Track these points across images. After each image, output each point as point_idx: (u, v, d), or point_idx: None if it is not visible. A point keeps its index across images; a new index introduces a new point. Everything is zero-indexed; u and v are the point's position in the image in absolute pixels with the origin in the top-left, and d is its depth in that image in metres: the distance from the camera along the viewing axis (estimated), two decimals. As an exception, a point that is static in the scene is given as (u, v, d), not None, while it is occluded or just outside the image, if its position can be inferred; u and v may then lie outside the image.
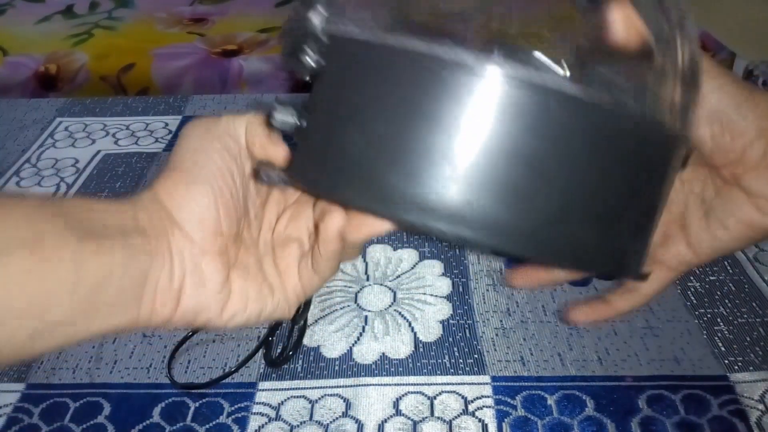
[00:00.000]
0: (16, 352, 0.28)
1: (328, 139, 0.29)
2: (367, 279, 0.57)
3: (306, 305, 0.52)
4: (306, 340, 0.51)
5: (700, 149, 0.33)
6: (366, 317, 0.53)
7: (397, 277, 0.57)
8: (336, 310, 0.54)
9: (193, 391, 0.47)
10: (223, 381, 0.48)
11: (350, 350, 0.50)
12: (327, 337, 0.52)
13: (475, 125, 0.25)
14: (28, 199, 0.29)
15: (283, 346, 0.51)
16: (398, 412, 0.46)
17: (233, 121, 0.33)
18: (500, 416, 0.45)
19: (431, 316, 0.53)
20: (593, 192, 0.26)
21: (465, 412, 0.45)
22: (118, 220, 0.30)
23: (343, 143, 0.28)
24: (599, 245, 0.28)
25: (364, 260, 0.58)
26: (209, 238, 0.32)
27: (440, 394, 0.47)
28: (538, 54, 0.26)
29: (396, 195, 0.26)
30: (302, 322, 0.51)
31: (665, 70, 0.29)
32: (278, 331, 0.51)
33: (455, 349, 0.50)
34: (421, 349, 0.50)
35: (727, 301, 0.54)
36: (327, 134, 0.29)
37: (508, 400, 0.46)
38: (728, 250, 0.36)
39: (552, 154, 0.26)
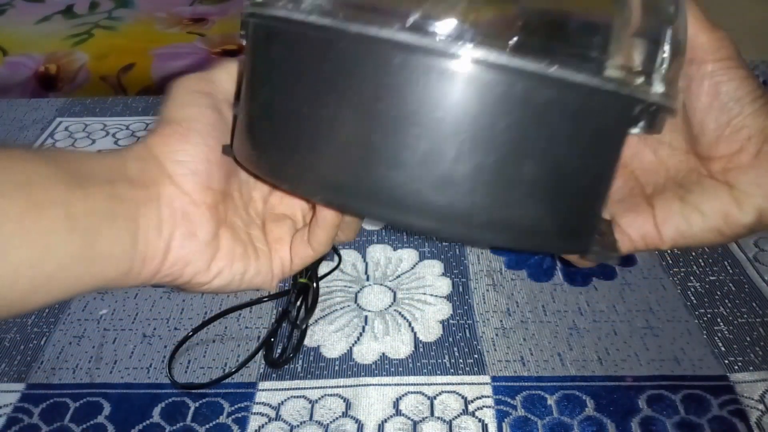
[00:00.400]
0: (16, 305, 0.27)
1: (249, 119, 0.30)
2: (367, 279, 0.57)
3: (310, 309, 0.52)
4: (306, 340, 0.51)
5: (699, 138, 0.33)
6: (366, 317, 0.53)
7: (397, 277, 0.57)
8: (336, 310, 0.54)
9: (193, 391, 0.47)
10: (223, 381, 0.48)
11: (350, 350, 0.50)
12: (327, 337, 0.52)
13: (406, 106, 0.24)
14: (17, 147, 0.29)
15: (284, 347, 0.51)
16: (398, 412, 0.46)
17: (223, 73, 0.34)
18: (500, 416, 0.45)
19: (431, 316, 0.53)
20: (529, 168, 0.25)
21: (465, 412, 0.45)
22: (107, 168, 0.30)
23: (260, 125, 0.29)
24: (541, 224, 0.27)
25: (364, 260, 0.58)
26: (201, 191, 0.32)
27: (440, 394, 0.47)
28: (450, 23, 0.24)
29: (325, 179, 0.26)
30: (303, 327, 0.51)
31: (613, 28, 0.28)
32: (279, 332, 0.51)
33: (455, 349, 0.50)
34: (421, 349, 0.50)
35: (727, 301, 0.54)
36: (247, 113, 0.30)
37: (508, 400, 0.46)
38: (694, 239, 0.34)
39: (485, 131, 0.24)
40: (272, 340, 0.50)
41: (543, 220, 0.27)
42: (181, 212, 0.31)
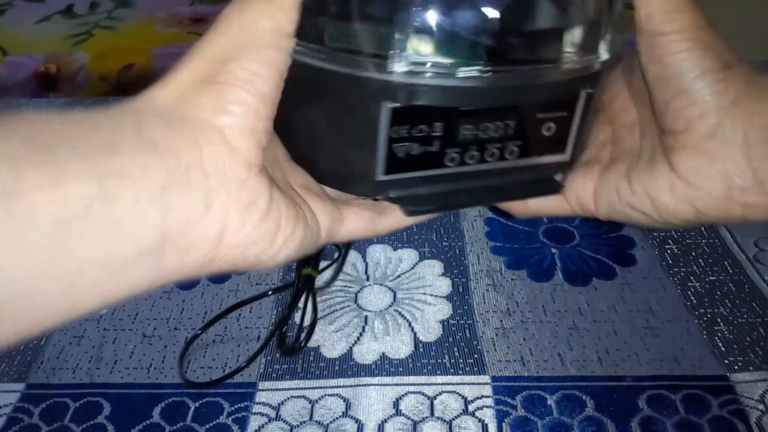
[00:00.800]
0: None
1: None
2: (367, 279, 0.57)
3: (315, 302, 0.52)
4: (306, 340, 0.51)
5: (654, 106, 0.30)
6: (366, 317, 0.53)
7: (397, 277, 0.57)
8: (336, 310, 0.54)
9: (201, 390, 0.47)
10: (223, 381, 0.48)
11: (350, 350, 0.50)
12: (327, 337, 0.52)
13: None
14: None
15: (296, 334, 0.51)
16: (398, 412, 0.46)
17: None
18: (500, 416, 0.45)
19: (431, 316, 0.53)
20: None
21: (465, 412, 0.45)
22: (107, 133, 0.21)
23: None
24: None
25: (364, 260, 0.58)
26: (256, 150, 0.25)
27: (440, 394, 0.47)
28: None
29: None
30: (315, 316, 0.52)
31: None
32: (290, 320, 0.51)
33: (455, 349, 0.50)
34: (421, 349, 0.50)
35: (727, 301, 0.54)
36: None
37: (508, 400, 0.46)
38: (624, 218, 0.31)
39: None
40: (284, 329, 0.50)
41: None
42: (236, 179, 0.24)
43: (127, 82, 1.24)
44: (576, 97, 0.31)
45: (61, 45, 1.31)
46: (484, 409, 0.46)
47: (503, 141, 0.31)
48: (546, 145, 0.32)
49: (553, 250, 0.60)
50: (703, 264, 0.57)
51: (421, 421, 0.45)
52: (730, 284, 0.55)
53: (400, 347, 0.50)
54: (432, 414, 0.45)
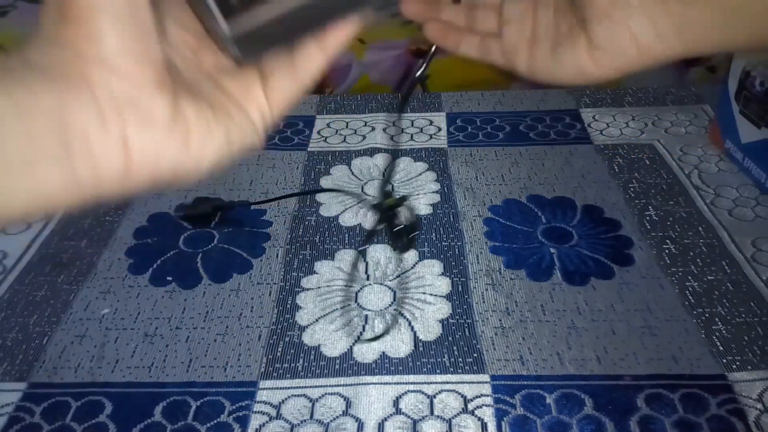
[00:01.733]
0: None
1: None
2: (367, 278, 0.57)
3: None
4: (306, 339, 0.52)
5: None
6: (366, 316, 0.53)
7: (397, 276, 0.57)
8: (336, 309, 0.54)
9: (202, 389, 0.48)
10: (223, 380, 0.48)
11: (350, 349, 0.51)
12: (327, 336, 0.52)
13: None
14: None
15: (406, 229, 0.50)
16: (398, 411, 0.46)
17: None
18: (499, 415, 0.45)
19: (431, 316, 0.53)
20: None
21: (464, 410, 0.46)
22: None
23: None
24: None
25: (365, 260, 0.59)
26: (141, 67, 0.25)
27: (440, 392, 0.47)
28: None
29: None
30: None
31: None
32: (396, 209, 0.50)
33: (455, 348, 0.51)
34: (421, 348, 0.51)
35: (725, 300, 0.54)
36: None
37: (507, 399, 0.46)
38: (560, 83, 0.34)
39: None
40: (391, 213, 0.50)
41: None
42: (125, 98, 0.25)
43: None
44: None
45: (62, 46, 1.31)
46: (484, 407, 0.46)
47: None
48: None
49: (552, 250, 0.60)
50: (701, 264, 0.58)
51: (420, 419, 0.45)
52: (728, 284, 0.56)
53: (400, 346, 0.51)
54: (432, 413, 0.46)
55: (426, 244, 0.61)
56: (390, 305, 0.54)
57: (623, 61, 0.31)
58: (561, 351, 0.50)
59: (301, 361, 0.50)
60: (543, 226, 0.63)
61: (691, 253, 0.59)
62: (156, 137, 0.26)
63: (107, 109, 0.24)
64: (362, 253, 0.57)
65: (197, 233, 0.63)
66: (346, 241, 0.62)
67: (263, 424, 0.45)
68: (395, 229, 0.51)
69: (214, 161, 0.28)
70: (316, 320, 0.53)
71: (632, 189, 0.67)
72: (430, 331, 0.52)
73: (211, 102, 0.28)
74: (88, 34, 0.24)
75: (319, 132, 0.80)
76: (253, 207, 0.66)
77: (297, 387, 0.48)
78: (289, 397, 0.47)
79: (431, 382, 0.48)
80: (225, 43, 0.28)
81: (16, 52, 0.24)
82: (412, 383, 0.48)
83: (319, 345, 0.51)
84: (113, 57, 0.24)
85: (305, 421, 0.45)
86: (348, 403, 0.47)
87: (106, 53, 0.24)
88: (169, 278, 0.58)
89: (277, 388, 0.48)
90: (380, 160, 0.74)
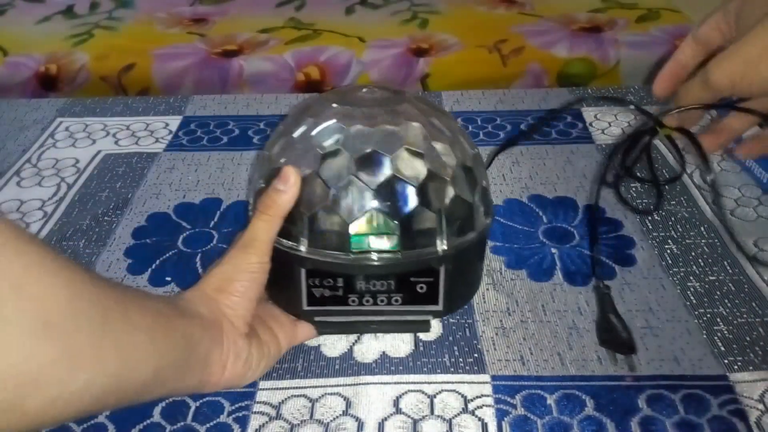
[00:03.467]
0: (101, 406, 0.40)
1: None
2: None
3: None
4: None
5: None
6: (366, 317, 0.53)
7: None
8: (336, 309, 0.54)
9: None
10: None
11: (351, 349, 0.51)
12: (327, 335, 0.52)
13: None
14: (147, 292, 0.45)
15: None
16: (398, 411, 0.46)
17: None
18: (500, 415, 0.45)
19: (431, 316, 0.53)
20: None
21: (465, 410, 0.46)
22: (191, 305, 0.43)
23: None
24: None
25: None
26: (244, 325, 0.45)
27: (440, 392, 0.47)
28: None
29: None
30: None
31: None
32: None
33: (455, 348, 0.50)
34: (421, 348, 0.50)
35: (726, 301, 0.54)
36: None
37: (508, 399, 0.46)
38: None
39: None
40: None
41: None
42: (233, 342, 0.44)
43: (127, 82, 1.24)
44: (436, 270, 0.46)
45: (61, 45, 1.31)
46: (484, 408, 0.46)
47: (388, 293, 0.47)
48: (422, 298, 0.47)
49: (553, 250, 0.60)
50: (702, 264, 0.57)
51: (421, 419, 0.45)
52: (730, 284, 0.55)
53: (401, 346, 0.51)
54: (432, 412, 0.45)
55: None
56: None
57: None
58: (562, 351, 0.50)
59: (300, 361, 0.50)
60: (544, 226, 0.63)
61: (693, 253, 0.59)
62: (239, 368, 0.44)
63: (225, 346, 0.43)
64: None
65: (196, 233, 0.63)
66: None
67: (263, 425, 0.45)
68: None
69: (260, 375, 0.47)
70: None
71: (633, 189, 0.67)
72: (430, 331, 0.52)
73: (263, 341, 0.47)
74: (232, 305, 0.44)
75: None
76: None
77: (297, 387, 0.48)
78: (288, 397, 0.47)
79: (431, 382, 0.48)
80: (306, 319, 0.49)
81: (182, 297, 0.44)
82: (412, 383, 0.48)
83: (318, 345, 0.51)
84: (235, 318, 0.44)
85: (305, 421, 0.45)
86: (348, 402, 0.46)
87: (232, 314, 0.44)
88: (168, 278, 0.58)
89: (277, 389, 0.48)
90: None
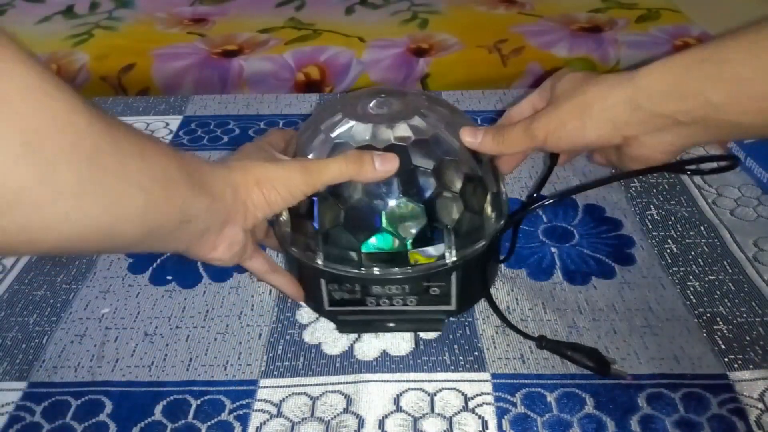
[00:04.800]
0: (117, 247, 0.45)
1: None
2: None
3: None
4: (307, 338, 0.52)
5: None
6: (367, 315, 0.53)
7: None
8: (337, 308, 0.54)
9: (203, 388, 0.47)
10: (224, 379, 0.48)
11: (351, 347, 0.51)
12: (328, 334, 0.52)
13: None
14: (157, 143, 0.38)
15: None
16: (399, 409, 0.46)
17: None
18: (500, 413, 0.45)
19: (432, 315, 0.53)
20: None
21: (465, 408, 0.46)
22: (216, 182, 0.41)
23: None
24: None
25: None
26: (252, 223, 0.45)
27: (440, 390, 0.47)
28: None
29: None
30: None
31: None
32: None
33: (455, 346, 0.51)
34: (422, 346, 0.51)
35: (726, 300, 0.54)
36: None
37: (508, 397, 0.46)
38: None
39: None
40: None
41: None
42: (236, 232, 0.44)
43: (127, 82, 1.24)
44: (448, 277, 0.48)
45: (61, 45, 1.30)
46: (484, 406, 0.46)
47: (404, 296, 0.49)
48: (436, 300, 0.50)
49: (553, 249, 0.60)
50: (702, 263, 0.58)
51: (421, 417, 0.45)
52: (730, 283, 0.55)
53: (401, 344, 0.51)
54: (432, 410, 0.46)
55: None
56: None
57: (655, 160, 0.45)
58: (562, 350, 0.50)
59: (301, 359, 0.50)
60: (544, 225, 0.63)
61: (693, 253, 0.59)
62: (228, 251, 0.44)
63: (226, 234, 0.43)
64: None
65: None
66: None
67: (264, 422, 0.45)
68: None
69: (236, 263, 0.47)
70: (317, 318, 0.53)
71: (633, 188, 0.67)
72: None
73: (253, 237, 0.48)
74: (258, 203, 0.44)
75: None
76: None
77: (297, 385, 0.48)
78: (289, 395, 0.47)
79: (432, 380, 0.48)
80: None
81: (207, 166, 0.42)
82: (412, 381, 0.48)
83: (319, 343, 0.51)
84: (250, 215, 0.44)
85: (306, 418, 0.45)
86: (349, 400, 0.46)
87: (249, 213, 0.44)
88: (169, 277, 0.58)
89: (278, 387, 0.48)
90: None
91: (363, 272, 0.47)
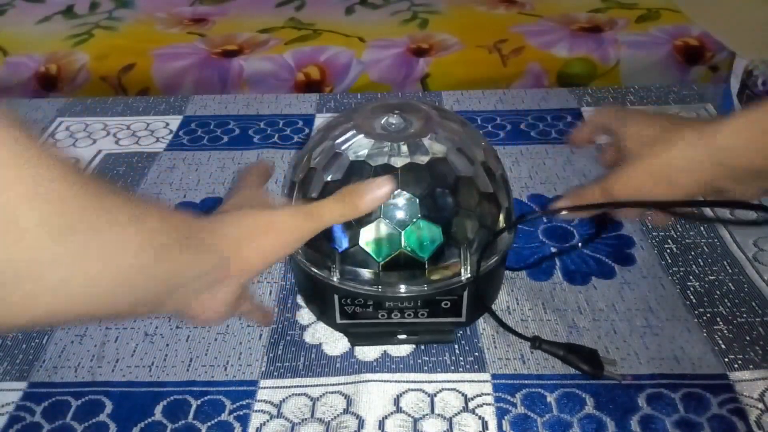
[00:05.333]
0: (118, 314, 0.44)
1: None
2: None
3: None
4: (308, 338, 0.52)
5: None
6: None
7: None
8: (337, 308, 0.54)
9: (203, 389, 0.47)
10: (224, 379, 0.48)
11: (352, 348, 0.51)
12: (329, 334, 0.52)
13: None
14: (156, 211, 0.36)
15: None
16: (399, 409, 0.46)
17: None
18: (500, 414, 0.45)
19: (432, 315, 0.53)
20: None
21: (465, 409, 0.46)
22: (205, 235, 0.39)
23: None
24: None
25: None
26: (249, 278, 0.43)
27: (440, 391, 0.47)
28: None
29: None
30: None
31: None
32: None
33: (455, 347, 0.51)
34: (422, 347, 0.51)
35: (726, 300, 0.54)
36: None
37: (508, 397, 0.46)
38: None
39: None
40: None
41: None
42: (232, 290, 0.41)
43: (127, 82, 1.24)
44: (460, 292, 0.49)
45: (61, 45, 1.31)
46: (484, 406, 0.46)
47: (415, 309, 0.49)
48: (447, 312, 0.50)
49: (553, 250, 0.60)
50: (702, 263, 0.58)
51: (421, 418, 0.45)
52: (730, 284, 0.55)
53: (401, 345, 0.51)
54: (432, 411, 0.46)
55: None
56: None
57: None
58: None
59: (302, 359, 0.50)
60: (544, 226, 0.63)
61: (693, 253, 0.59)
62: (219, 310, 0.42)
63: (219, 293, 0.41)
64: None
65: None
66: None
67: (264, 423, 0.45)
68: None
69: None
70: (317, 319, 0.53)
71: (633, 188, 0.67)
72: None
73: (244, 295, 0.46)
74: (261, 254, 0.41)
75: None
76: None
77: (298, 386, 0.48)
78: (290, 395, 0.47)
79: (432, 381, 0.48)
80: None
81: (210, 222, 0.40)
82: (412, 381, 0.48)
83: (320, 343, 0.51)
84: (249, 269, 0.42)
85: (306, 419, 0.45)
86: (349, 401, 0.46)
87: (249, 266, 0.41)
88: (170, 277, 0.58)
89: (278, 387, 0.48)
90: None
91: (379, 290, 0.48)
